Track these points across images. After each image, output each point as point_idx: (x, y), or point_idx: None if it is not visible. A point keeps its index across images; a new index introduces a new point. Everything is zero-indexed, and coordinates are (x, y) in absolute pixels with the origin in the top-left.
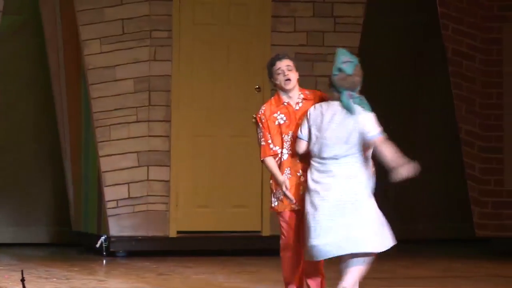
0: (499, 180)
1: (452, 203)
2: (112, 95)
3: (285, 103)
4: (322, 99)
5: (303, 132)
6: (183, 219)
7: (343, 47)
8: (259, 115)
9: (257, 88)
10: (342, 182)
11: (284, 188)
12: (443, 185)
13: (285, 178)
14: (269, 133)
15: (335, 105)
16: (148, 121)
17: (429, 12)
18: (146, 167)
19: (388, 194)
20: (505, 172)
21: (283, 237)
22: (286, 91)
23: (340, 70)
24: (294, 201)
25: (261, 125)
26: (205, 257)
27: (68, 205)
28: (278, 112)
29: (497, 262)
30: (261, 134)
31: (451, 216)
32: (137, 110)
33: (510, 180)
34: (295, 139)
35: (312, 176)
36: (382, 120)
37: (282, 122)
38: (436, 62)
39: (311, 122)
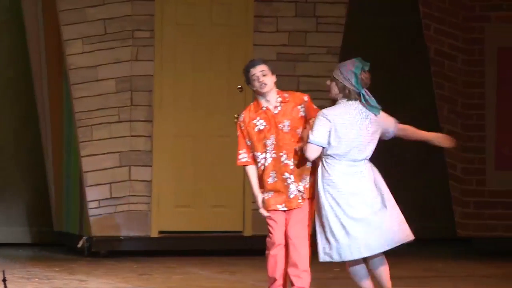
0: (481, 180)
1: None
2: (94, 95)
3: (264, 108)
4: (302, 100)
5: (322, 138)
6: (165, 219)
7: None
8: (238, 123)
9: (239, 88)
10: (371, 182)
11: (257, 204)
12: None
13: (259, 194)
14: (250, 140)
15: (354, 105)
16: (130, 121)
17: None
18: (128, 167)
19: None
20: (487, 172)
21: (270, 235)
22: (263, 95)
23: (362, 69)
24: (268, 215)
25: (239, 133)
26: (187, 257)
27: (49, 205)
28: (258, 118)
29: (478, 262)
30: (238, 140)
31: (438, 216)
32: (119, 110)
33: (492, 180)
34: (278, 142)
35: (339, 179)
36: None
37: (262, 127)
38: None
39: (336, 126)
